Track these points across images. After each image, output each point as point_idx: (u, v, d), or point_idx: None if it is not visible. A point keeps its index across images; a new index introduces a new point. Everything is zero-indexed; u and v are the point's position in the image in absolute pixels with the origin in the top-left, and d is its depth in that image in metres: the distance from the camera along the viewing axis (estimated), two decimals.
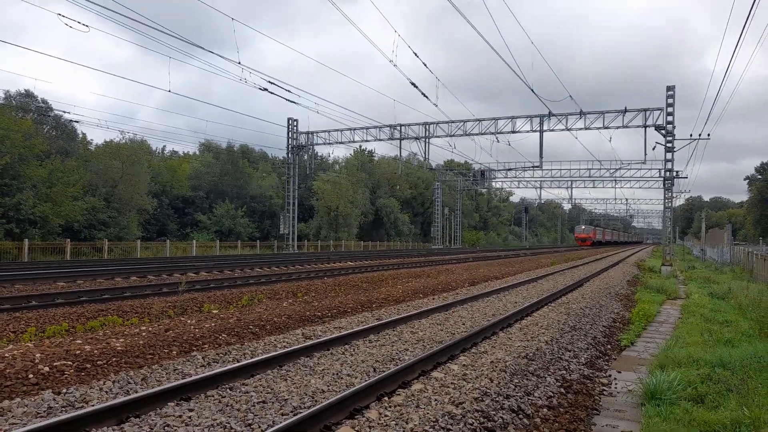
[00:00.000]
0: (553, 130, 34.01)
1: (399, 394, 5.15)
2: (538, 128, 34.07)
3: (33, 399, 4.84)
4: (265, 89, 23.96)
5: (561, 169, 56.04)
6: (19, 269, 17.76)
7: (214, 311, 10.07)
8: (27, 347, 6.60)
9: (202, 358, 6.53)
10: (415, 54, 18.74)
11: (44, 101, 42.16)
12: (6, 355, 6.13)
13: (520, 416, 4.93)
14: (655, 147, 29.90)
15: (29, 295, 11.18)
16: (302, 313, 10.06)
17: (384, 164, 69.55)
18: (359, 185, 60.05)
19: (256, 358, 6.15)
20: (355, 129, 39.02)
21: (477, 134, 36.74)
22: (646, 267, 28.44)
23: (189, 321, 8.85)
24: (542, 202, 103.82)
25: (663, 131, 28.94)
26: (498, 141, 36.74)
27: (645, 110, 30.48)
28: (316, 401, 4.93)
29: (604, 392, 6.08)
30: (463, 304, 11.88)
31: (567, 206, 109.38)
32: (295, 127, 41.46)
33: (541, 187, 67.27)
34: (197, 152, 58.50)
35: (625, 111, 31.06)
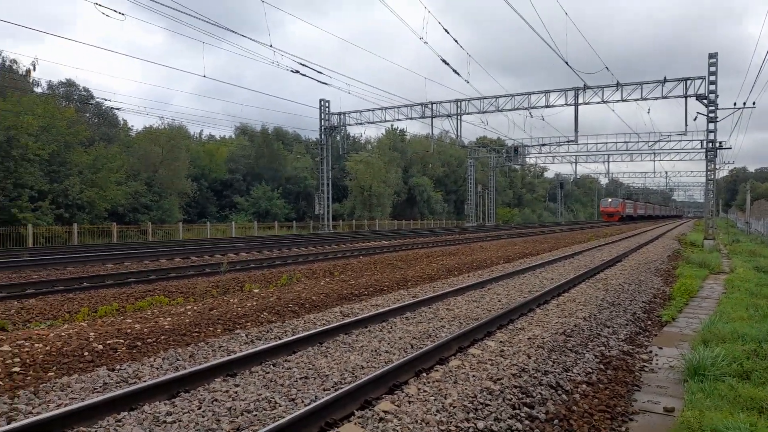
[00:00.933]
0: (588, 104, 33.06)
1: (437, 371, 5.24)
2: (573, 102, 33.18)
3: (89, 375, 5.13)
4: (297, 71, 24.04)
5: (597, 143, 54.47)
6: (70, 252, 18.58)
7: (255, 290, 10.35)
8: (81, 326, 6.97)
9: (246, 335, 6.76)
10: (446, 30, 18.43)
11: (86, 89, 43.50)
12: (62, 334, 6.49)
13: (559, 392, 4.95)
14: (696, 117, 28.73)
15: (81, 276, 11.72)
16: (339, 291, 10.24)
17: (416, 143, 69.12)
18: (392, 164, 59.96)
19: (297, 336, 6.33)
20: (386, 108, 38.85)
21: (510, 110, 36.04)
22: (688, 241, 27.63)
23: (231, 300, 9.14)
24: (578, 177, 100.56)
25: (705, 101, 27.75)
26: (531, 116, 36.02)
27: (685, 79, 29.25)
28: (356, 377, 5.06)
29: (645, 368, 6.02)
30: (498, 282, 11.86)
31: (604, 181, 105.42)
32: (327, 108, 41.55)
33: (576, 162, 65.70)
34: (233, 136, 59.46)
35: (665, 81, 29.88)
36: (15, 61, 37.56)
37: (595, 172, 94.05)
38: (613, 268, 14.97)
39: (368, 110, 39.97)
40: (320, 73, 25.19)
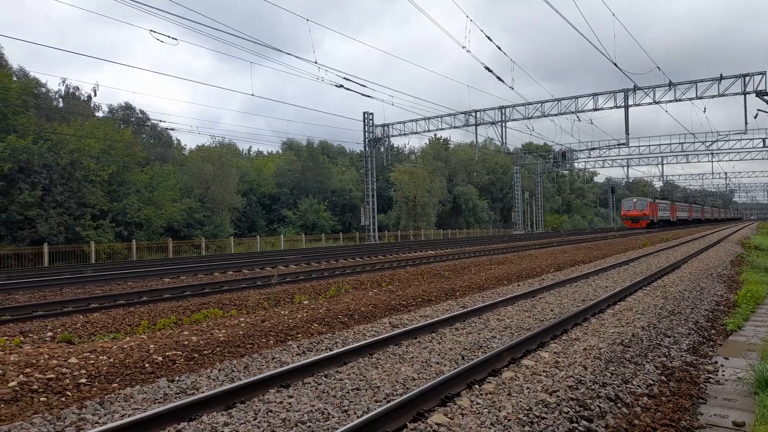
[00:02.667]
0: (639, 105, 32.05)
1: (489, 382, 5.15)
2: (623, 104, 32.23)
3: (150, 386, 5.32)
4: (341, 86, 24.42)
5: (650, 145, 52.65)
6: (130, 268, 19.43)
7: (305, 302, 10.50)
8: (141, 339, 7.25)
9: (297, 346, 6.86)
10: (488, 37, 18.32)
11: (142, 112, 45.65)
12: (125, 346, 6.77)
13: (619, 405, 4.77)
14: (757, 115, 27.33)
15: (141, 291, 12.22)
16: (387, 302, 10.25)
17: (460, 151, 68.72)
18: (436, 174, 59.80)
19: (348, 347, 6.37)
20: (429, 118, 38.89)
21: (556, 114, 35.39)
22: (752, 245, 26.15)
23: (282, 312, 9.30)
24: (630, 180, 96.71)
25: (766, 97, 26.36)
26: (579, 120, 35.18)
27: (743, 76, 27.93)
28: (407, 389, 5.04)
29: (711, 380, 5.72)
30: (549, 290, 11.58)
31: (658, 184, 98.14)
32: (370, 121, 41.98)
33: (628, 166, 63.73)
34: (280, 151, 60.87)
35: (721, 78, 28.64)
36: (77, 88, 39.94)
37: (648, 176, 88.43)
38: (672, 274, 14.34)
39: (411, 121, 40.14)
40: (363, 86, 25.53)
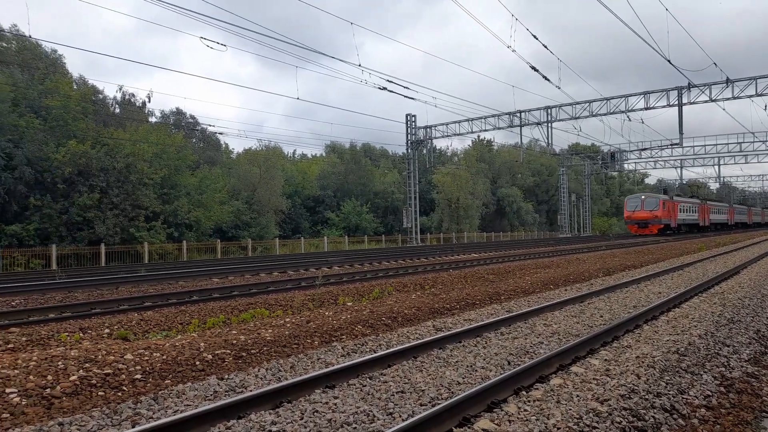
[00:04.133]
0: (694, 103, 30.78)
1: (537, 389, 5.04)
2: (677, 102, 31.01)
3: (201, 383, 5.48)
4: (384, 88, 24.53)
5: (705, 145, 50.43)
6: (181, 268, 20.09)
7: (349, 303, 10.58)
8: (192, 337, 7.47)
9: (342, 348, 6.91)
10: (534, 36, 18.00)
11: (192, 117, 47.23)
12: (177, 344, 6.99)
13: (674, 416, 4.57)
14: None
15: (191, 290, 12.62)
16: (431, 305, 10.20)
17: (504, 153, 67.73)
18: (479, 176, 59.15)
19: (392, 349, 6.37)
20: (472, 119, 38.55)
21: (604, 114, 34.42)
22: None
23: (327, 313, 9.40)
24: (684, 182, 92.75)
25: None
26: (629, 119, 34.08)
27: None
28: (452, 393, 4.99)
29: None
30: (599, 295, 11.24)
31: (714, 185, 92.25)
32: (413, 123, 41.96)
33: (681, 167, 61.26)
34: (323, 154, 61.69)
35: None
36: (133, 95, 41.69)
37: (703, 177, 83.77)
38: (730, 280, 13.67)
39: (454, 122, 39.88)
40: (406, 88, 25.58)
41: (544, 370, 5.55)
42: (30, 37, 27.92)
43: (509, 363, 6.06)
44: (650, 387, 5.09)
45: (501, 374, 5.34)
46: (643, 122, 35.26)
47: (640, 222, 45.08)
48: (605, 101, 33.99)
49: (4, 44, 34.30)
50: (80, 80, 37.84)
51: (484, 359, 6.21)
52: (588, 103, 34.64)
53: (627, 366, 5.75)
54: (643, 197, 46.17)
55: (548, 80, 24.35)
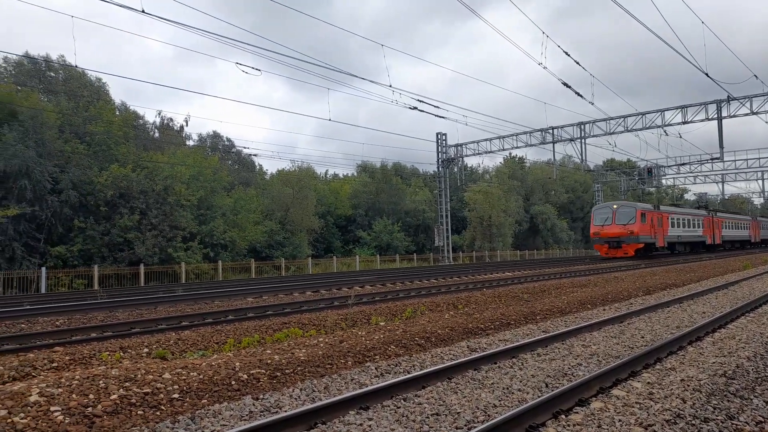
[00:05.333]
0: (734, 116, 29.90)
1: (577, 412, 4.90)
2: (715, 116, 30.19)
3: (237, 403, 5.52)
4: (415, 108, 24.69)
5: (747, 159, 48.82)
6: (216, 287, 20.44)
7: (381, 323, 10.54)
8: (228, 357, 7.55)
9: (375, 368, 6.87)
10: (566, 53, 17.90)
11: (228, 140, 48.49)
12: (213, 363, 7.08)
13: None
14: None
15: (226, 310, 12.80)
16: (464, 325, 10.06)
17: (536, 170, 66.98)
18: (511, 193, 58.56)
19: (426, 370, 6.30)
20: (504, 137, 38.33)
21: (640, 129, 33.76)
22: None
23: (360, 333, 9.38)
24: (726, 197, 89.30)
25: None
26: (666, 134, 33.32)
27: None
28: (488, 415, 4.89)
29: None
30: (639, 315, 10.89)
31: (758, 200, 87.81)
32: (444, 141, 42.00)
33: (723, 181, 59.29)
34: (354, 173, 62.23)
35: None
36: (171, 119, 43.16)
37: (746, 192, 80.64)
38: None
39: (485, 140, 39.74)
40: (437, 107, 25.66)
41: (583, 393, 5.39)
42: (76, 66, 29.29)
43: (547, 385, 5.91)
44: (697, 412, 4.87)
45: (539, 397, 5.21)
46: (681, 136, 34.46)
47: (610, 240, 35.38)
48: (640, 116, 33.37)
49: (53, 74, 36.07)
50: (122, 106, 39.41)
51: (521, 381, 6.08)
52: (623, 119, 34.07)
53: (671, 389, 5.53)
54: (615, 206, 36.06)
55: (581, 96, 24.09)
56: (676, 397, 5.25)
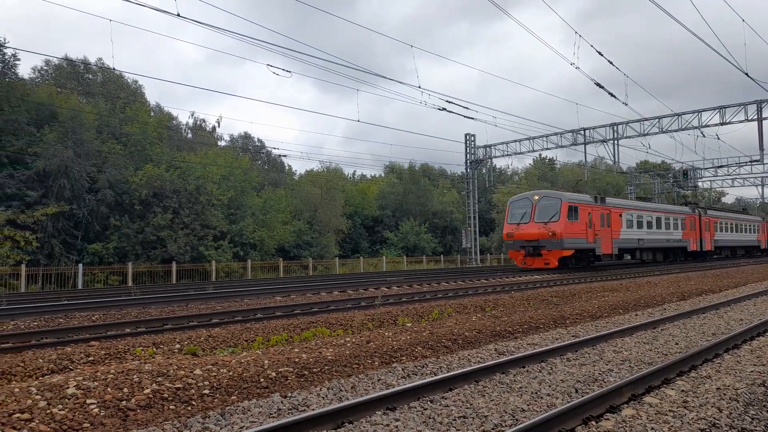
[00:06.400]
0: None
1: (607, 419, 4.80)
2: (756, 116, 29.20)
3: (265, 400, 5.60)
4: (444, 108, 24.59)
5: None
6: (246, 286, 20.75)
7: (408, 324, 10.53)
8: (257, 354, 7.66)
9: (402, 369, 6.87)
10: (599, 53, 17.58)
11: (259, 140, 49.19)
12: (242, 361, 7.19)
13: None
14: None
15: (255, 308, 12.98)
16: (492, 327, 9.97)
17: (567, 171, 65.93)
18: None
19: (453, 372, 6.27)
20: (534, 138, 37.84)
21: (676, 130, 32.87)
22: None
23: (386, 333, 9.39)
24: (766, 200, 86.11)
25: None
26: (704, 135, 32.38)
27: None
28: (516, 420, 4.85)
29: None
30: (673, 321, 10.62)
31: None
32: (472, 142, 41.72)
33: (763, 184, 57.31)
34: (382, 174, 62.36)
35: None
36: (204, 120, 44.05)
37: None
38: None
39: (515, 141, 39.29)
40: (465, 108, 25.51)
41: (615, 399, 5.29)
42: (114, 69, 30.20)
43: (576, 391, 5.82)
44: (733, 422, 4.73)
45: (568, 402, 5.13)
46: (718, 138, 33.41)
47: (526, 245, 25.66)
48: (676, 117, 32.51)
49: (91, 76, 37.22)
50: (156, 108, 40.41)
51: (550, 386, 6.00)
52: (657, 119, 33.25)
53: (707, 398, 5.38)
54: (536, 198, 25.99)
55: (614, 96, 23.62)
56: (712, 406, 5.10)
